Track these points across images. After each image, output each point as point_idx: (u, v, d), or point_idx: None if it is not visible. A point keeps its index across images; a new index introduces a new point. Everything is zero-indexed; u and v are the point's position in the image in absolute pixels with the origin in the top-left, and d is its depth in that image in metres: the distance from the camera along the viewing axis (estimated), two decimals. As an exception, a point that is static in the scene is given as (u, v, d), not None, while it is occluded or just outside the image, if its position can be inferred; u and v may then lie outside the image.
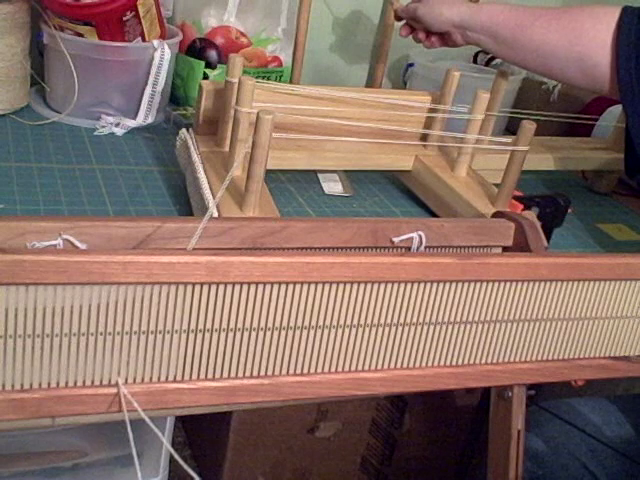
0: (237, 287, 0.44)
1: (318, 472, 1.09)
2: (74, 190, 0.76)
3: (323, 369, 0.49)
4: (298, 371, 0.48)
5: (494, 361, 0.53)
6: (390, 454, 1.10)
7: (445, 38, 0.92)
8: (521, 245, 0.61)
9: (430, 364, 0.52)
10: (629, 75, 0.78)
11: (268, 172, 0.67)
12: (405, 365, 0.51)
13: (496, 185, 0.80)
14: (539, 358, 0.55)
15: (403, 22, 0.96)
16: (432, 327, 0.50)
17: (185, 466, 0.41)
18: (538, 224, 0.63)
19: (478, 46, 0.89)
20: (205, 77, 1.02)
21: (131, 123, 0.93)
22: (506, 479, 0.59)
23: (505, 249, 0.62)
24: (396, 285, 0.48)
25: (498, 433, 0.60)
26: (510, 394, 0.58)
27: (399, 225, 0.58)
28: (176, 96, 1.05)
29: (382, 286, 0.48)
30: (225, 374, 0.46)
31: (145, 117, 0.94)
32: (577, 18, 0.81)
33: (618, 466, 0.83)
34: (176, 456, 0.42)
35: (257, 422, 1.01)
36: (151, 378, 0.44)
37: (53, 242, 0.46)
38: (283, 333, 0.46)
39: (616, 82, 0.79)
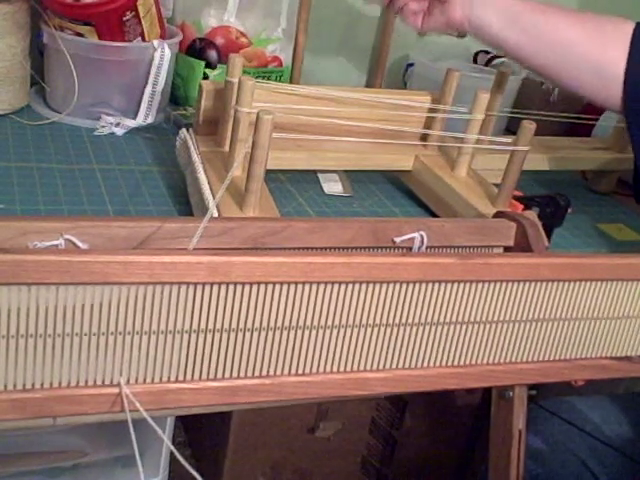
0: (238, 287, 0.44)
1: (318, 472, 1.09)
2: (74, 190, 0.76)
3: (325, 369, 0.49)
4: (300, 371, 0.48)
5: (495, 361, 0.53)
6: (390, 454, 1.10)
7: (437, 14, 0.78)
8: (522, 245, 0.61)
9: (431, 364, 0.52)
10: (636, 101, 0.73)
11: (268, 172, 0.67)
12: (406, 365, 0.51)
13: (496, 185, 0.80)
14: (540, 358, 0.55)
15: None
16: (433, 327, 0.50)
17: (187, 465, 0.41)
18: (539, 224, 0.63)
19: (479, 30, 0.76)
20: (205, 77, 1.02)
21: (131, 123, 0.93)
22: (507, 479, 0.59)
23: (506, 249, 0.62)
24: (397, 285, 0.48)
25: (499, 433, 0.60)
26: (511, 394, 0.58)
27: (400, 225, 0.58)
28: (176, 96, 1.05)
29: (383, 286, 0.48)
30: (227, 374, 0.46)
31: (145, 117, 0.94)
32: (599, 19, 0.75)
33: (618, 465, 0.83)
34: (178, 455, 0.42)
35: (257, 422, 1.00)
36: (153, 378, 0.44)
37: (55, 242, 0.46)
38: (284, 333, 0.46)
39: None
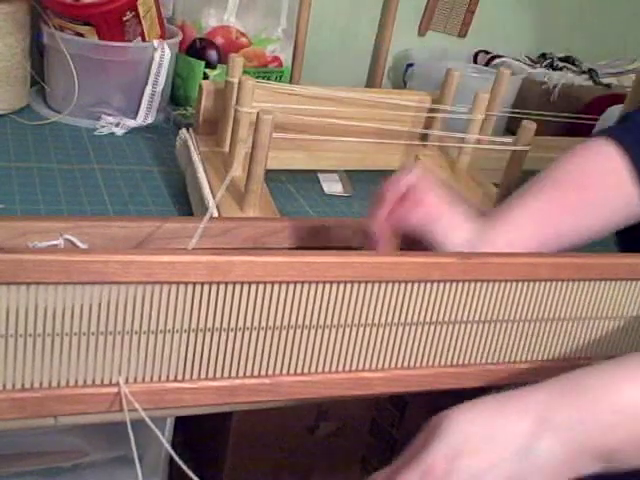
0: (238, 287, 0.44)
1: (318, 472, 1.09)
2: (74, 190, 0.76)
3: (324, 369, 0.49)
4: (299, 371, 0.48)
5: (494, 361, 0.53)
6: (390, 454, 1.10)
7: None
8: (522, 245, 0.60)
9: (430, 364, 0.52)
10: None
11: (268, 172, 0.67)
12: (405, 365, 0.51)
13: (496, 185, 0.80)
14: (540, 358, 0.55)
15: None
16: (433, 327, 0.50)
17: (184, 467, 0.41)
18: (539, 224, 0.62)
19: None
20: (205, 77, 1.02)
21: (131, 123, 0.93)
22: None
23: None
24: (396, 285, 0.48)
25: (499, 433, 0.59)
26: (511, 394, 0.57)
27: (400, 225, 0.58)
28: (176, 96, 1.05)
29: (382, 286, 0.48)
30: (226, 374, 0.46)
31: (145, 117, 0.94)
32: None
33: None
34: (175, 457, 0.42)
35: (257, 422, 1.00)
36: (152, 378, 0.44)
37: (54, 242, 0.46)
38: (284, 333, 0.46)
39: None
